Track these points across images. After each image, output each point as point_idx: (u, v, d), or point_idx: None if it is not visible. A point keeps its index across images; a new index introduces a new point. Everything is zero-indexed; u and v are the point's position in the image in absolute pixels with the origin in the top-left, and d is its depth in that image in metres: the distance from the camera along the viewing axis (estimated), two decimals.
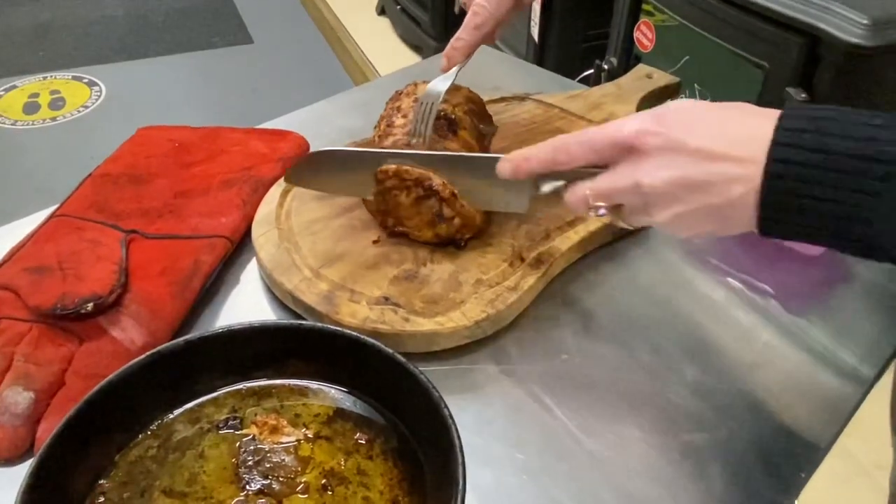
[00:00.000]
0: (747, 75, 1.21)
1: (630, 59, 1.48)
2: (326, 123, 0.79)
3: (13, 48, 2.91)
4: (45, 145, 2.37)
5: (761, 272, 0.64)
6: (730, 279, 0.63)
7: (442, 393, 0.44)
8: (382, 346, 0.48)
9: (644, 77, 0.86)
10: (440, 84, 0.60)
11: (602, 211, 0.47)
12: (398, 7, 2.64)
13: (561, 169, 0.47)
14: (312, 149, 0.74)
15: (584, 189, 0.46)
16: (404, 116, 0.61)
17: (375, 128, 0.63)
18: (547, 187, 0.50)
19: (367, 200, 0.61)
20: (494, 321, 0.56)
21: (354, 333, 0.49)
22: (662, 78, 0.86)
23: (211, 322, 0.58)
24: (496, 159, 0.50)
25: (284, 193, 0.66)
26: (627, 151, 0.43)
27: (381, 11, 2.84)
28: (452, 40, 0.62)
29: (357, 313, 0.55)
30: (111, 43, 2.97)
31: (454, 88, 0.63)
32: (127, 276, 0.56)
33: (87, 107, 2.58)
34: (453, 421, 0.43)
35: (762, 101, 1.08)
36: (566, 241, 0.62)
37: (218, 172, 0.68)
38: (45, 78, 2.74)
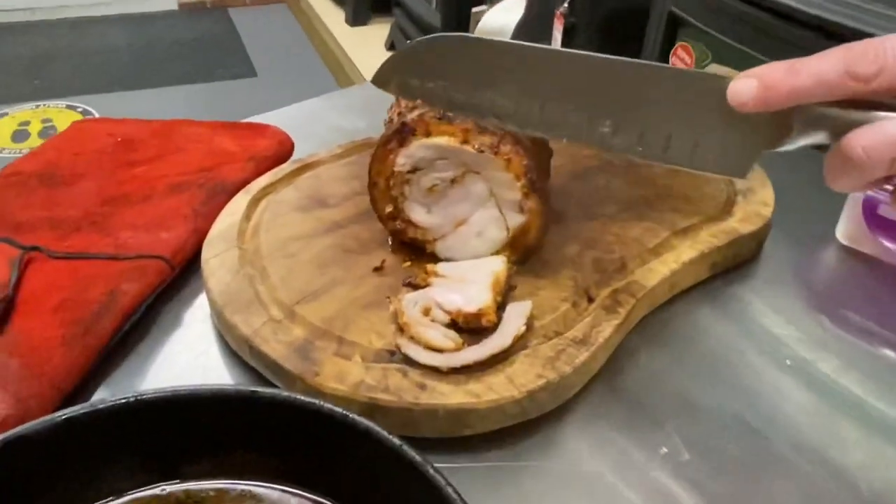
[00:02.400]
0: None
1: None
2: (319, 122, 0.62)
3: (8, 76, 2.82)
4: None
5: None
6: (886, 350, 0.44)
7: None
8: (383, 432, 0.30)
9: None
10: (502, 15, 0.42)
11: None
12: (408, 42, 2.53)
13: (852, 94, 0.29)
14: (297, 150, 0.56)
15: (891, 134, 0.28)
16: None
17: (393, 106, 0.45)
18: (794, 141, 0.31)
19: (374, 181, 0.43)
20: (556, 392, 0.37)
21: (339, 409, 0.31)
22: None
23: (129, 383, 0.39)
24: (721, 78, 0.31)
25: (255, 202, 0.48)
26: None
27: (391, 47, 2.74)
28: None
29: (346, 375, 0.36)
30: (110, 73, 2.88)
31: None
32: (7, 310, 0.38)
33: None
34: None
35: None
36: (652, 275, 0.43)
37: (166, 174, 0.50)
38: (37, 106, 2.64)
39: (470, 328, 0.38)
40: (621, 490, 0.35)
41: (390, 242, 0.45)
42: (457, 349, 0.37)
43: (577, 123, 0.36)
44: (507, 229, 0.42)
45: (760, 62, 0.99)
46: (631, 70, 0.35)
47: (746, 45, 1.08)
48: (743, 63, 1.08)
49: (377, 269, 0.43)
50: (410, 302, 0.39)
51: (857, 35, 0.89)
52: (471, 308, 0.38)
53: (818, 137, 0.31)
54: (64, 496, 0.31)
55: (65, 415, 0.31)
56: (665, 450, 0.36)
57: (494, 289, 0.39)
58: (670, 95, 0.34)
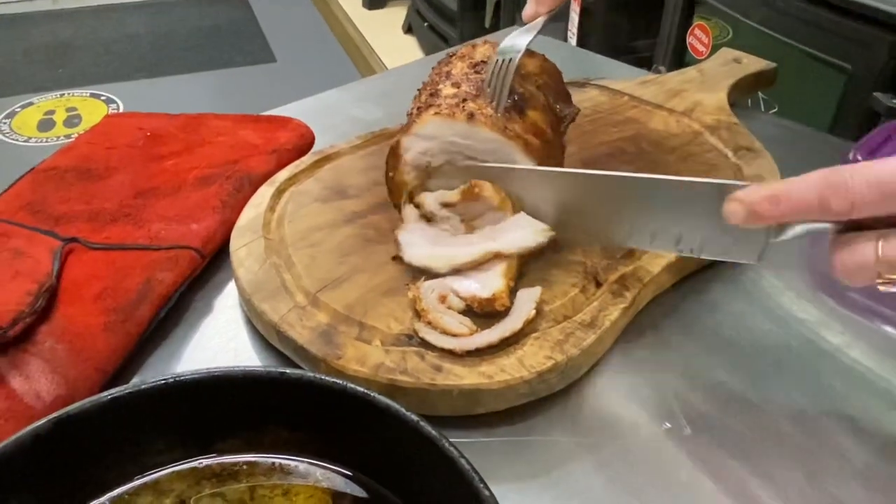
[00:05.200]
0: (826, 79, 1.04)
1: (682, 66, 1.32)
2: (337, 113, 0.64)
3: (32, 66, 2.86)
4: None
5: None
6: (888, 327, 0.46)
7: (489, 477, 0.28)
8: (402, 409, 0.32)
9: (731, 62, 0.69)
10: (521, 37, 0.46)
11: None
12: (425, 24, 2.53)
13: (833, 220, 0.32)
14: (317, 141, 0.58)
15: (871, 250, 0.31)
16: (455, 86, 0.45)
17: (415, 99, 0.47)
18: (794, 230, 0.34)
19: (390, 172, 0.46)
20: (564, 372, 0.39)
21: (361, 389, 0.33)
22: (754, 63, 0.70)
23: (165, 366, 0.42)
24: (722, 189, 0.35)
25: (278, 193, 0.50)
26: None
27: (408, 29, 2.73)
28: None
29: (367, 358, 0.38)
30: (132, 61, 2.91)
31: (526, 54, 0.47)
32: (51, 299, 0.41)
33: None
34: None
35: (844, 108, 0.91)
36: (657, 261, 0.45)
37: (195, 167, 0.53)
38: (62, 95, 2.68)
39: (484, 313, 0.40)
40: (625, 463, 0.37)
41: None
42: (471, 335, 0.39)
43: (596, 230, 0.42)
44: None
45: (777, 41, 0.98)
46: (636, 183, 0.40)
47: (763, 24, 1.08)
48: (760, 41, 1.08)
49: (396, 258, 0.45)
50: (428, 289, 0.41)
51: (871, 13, 0.87)
52: (485, 293, 0.40)
53: (816, 229, 0.34)
54: (109, 470, 0.34)
55: (110, 395, 0.33)
56: (668, 424, 0.38)
57: (507, 275, 0.41)
58: (679, 203, 0.39)
